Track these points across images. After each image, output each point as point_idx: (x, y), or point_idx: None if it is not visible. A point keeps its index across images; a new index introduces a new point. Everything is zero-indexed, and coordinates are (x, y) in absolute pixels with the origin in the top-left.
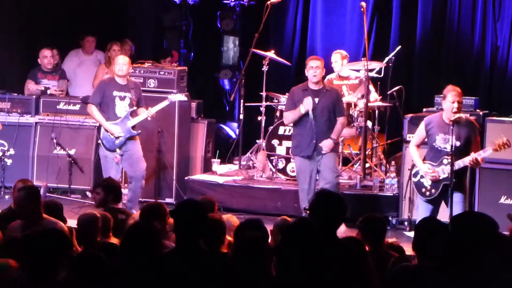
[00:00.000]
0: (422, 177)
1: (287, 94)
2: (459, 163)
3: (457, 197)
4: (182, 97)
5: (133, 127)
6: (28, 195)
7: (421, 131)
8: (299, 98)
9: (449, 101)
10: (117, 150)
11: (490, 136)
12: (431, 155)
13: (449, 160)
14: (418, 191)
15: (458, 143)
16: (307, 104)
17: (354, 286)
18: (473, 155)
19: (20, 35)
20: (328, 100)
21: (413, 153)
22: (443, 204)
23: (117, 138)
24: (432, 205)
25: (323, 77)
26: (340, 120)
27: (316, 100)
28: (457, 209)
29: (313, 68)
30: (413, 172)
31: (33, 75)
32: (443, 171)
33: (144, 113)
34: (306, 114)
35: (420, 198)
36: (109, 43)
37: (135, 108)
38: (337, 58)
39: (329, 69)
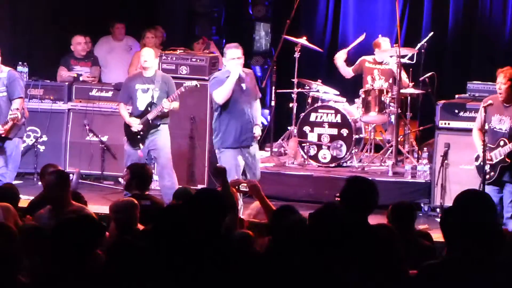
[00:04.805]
0: None
1: (319, 80)
2: (510, 147)
3: (508, 187)
4: (194, 83)
5: (154, 120)
6: (57, 179)
7: (480, 112)
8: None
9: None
10: (141, 145)
11: None
12: (490, 137)
13: (506, 142)
14: (479, 174)
15: None
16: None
17: (383, 271)
18: None
19: (53, 22)
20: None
21: (474, 137)
22: None
23: (137, 133)
24: (495, 187)
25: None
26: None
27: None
28: (505, 200)
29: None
30: (474, 156)
31: (66, 62)
32: (499, 153)
33: (161, 105)
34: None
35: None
36: (143, 31)
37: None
38: (388, 45)
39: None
